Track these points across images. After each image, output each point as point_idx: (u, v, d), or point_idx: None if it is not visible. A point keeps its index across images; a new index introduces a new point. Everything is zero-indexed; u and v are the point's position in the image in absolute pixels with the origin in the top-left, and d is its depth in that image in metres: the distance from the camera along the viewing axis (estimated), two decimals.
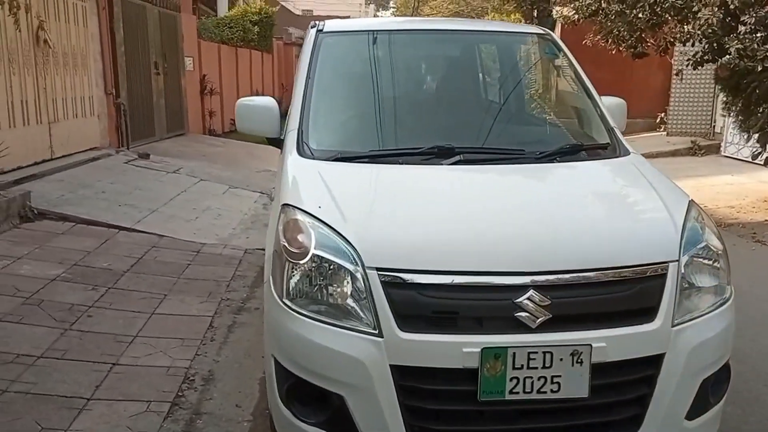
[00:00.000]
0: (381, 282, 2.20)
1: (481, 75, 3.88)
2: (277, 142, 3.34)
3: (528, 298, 2.19)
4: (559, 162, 2.93)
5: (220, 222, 6.68)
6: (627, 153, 3.09)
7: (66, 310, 4.07)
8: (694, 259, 2.41)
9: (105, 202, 6.58)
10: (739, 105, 8.08)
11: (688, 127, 13.58)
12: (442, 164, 2.82)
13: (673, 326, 2.29)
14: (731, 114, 8.43)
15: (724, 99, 8.52)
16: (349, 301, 2.24)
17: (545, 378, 2.19)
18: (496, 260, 2.24)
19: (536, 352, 2.17)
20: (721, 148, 12.15)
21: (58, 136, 8.02)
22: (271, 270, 2.48)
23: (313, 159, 2.90)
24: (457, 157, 2.84)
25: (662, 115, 14.28)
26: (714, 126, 13.24)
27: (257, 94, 14.63)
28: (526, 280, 2.21)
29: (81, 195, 6.65)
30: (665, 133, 14.11)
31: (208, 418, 3.11)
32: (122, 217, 6.19)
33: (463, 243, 2.30)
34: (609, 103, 3.47)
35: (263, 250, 5.94)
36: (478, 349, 2.15)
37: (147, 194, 7.18)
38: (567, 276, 2.23)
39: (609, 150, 3.12)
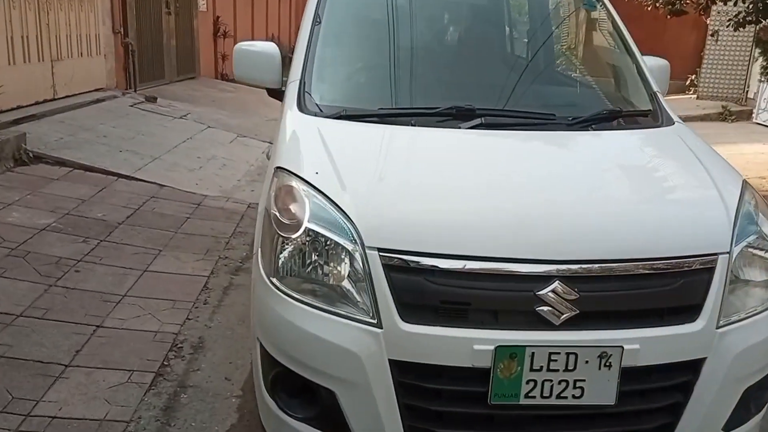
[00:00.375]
0: (382, 265, 1.90)
1: (508, 28, 3.48)
2: (278, 94, 3.01)
3: (552, 291, 1.89)
4: (595, 130, 2.58)
5: (225, 173, 6.39)
6: (671, 122, 2.73)
7: (53, 263, 3.84)
8: (746, 250, 2.08)
9: (105, 147, 6.30)
10: None
11: (720, 91, 13.01)
12: (460, 128, 2.49)
13: (717, 328, 1.98)
14: None
15: (764, 63, 8.05)
16: (346, 284, 1.95)
17: (567, 382, 1.91)
18: (517, 245, 1.93)
19: (558, 353, 1.89)
20: (754, 115, 11.62)
21: (61, 75, 7.69)
22: (261, 241, 2.19)
23: (315, 115, 2.57)
24: (478, 120, 2.50)
25: (693, 77, 13.68)
26: (747, 91, 12.67)
27: (272, 39, 14.13)
28: (551, 269, 1.90)
29: (81, 138, 6.37)
30: (695, 96, 13.53)
31: (193, 392, 2.87)
32: (122, 163, 5.92)
33: (480, 223, 1.99)
34: (650, 65, 3.08)
35: None
36: (492, 347, 1.86)
37: (150, 140, 6.89)
38: (598, 266, 1.92)
39: (650, 118, 2.76)
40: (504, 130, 2.53)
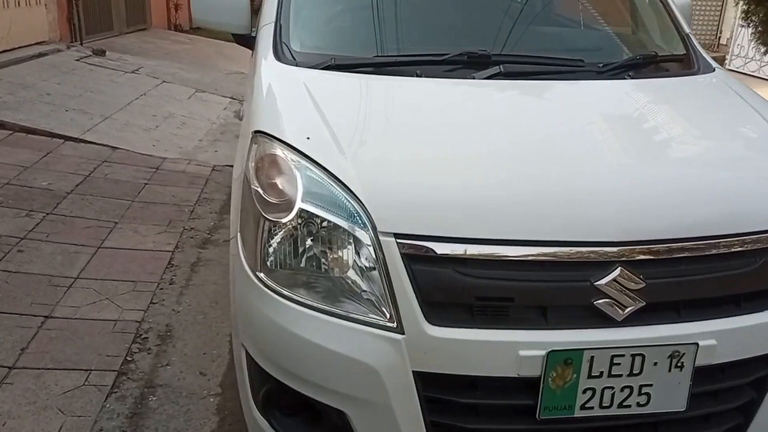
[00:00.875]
0: (401, 255, 1.51)
1: None
2: (247, 41, 2.53)
3: (614, 279, 1.52)
4: (632, 78, 2.19)
5: (184, 132, 5.85)
6: (710, 68, 2.36)
7: None
8: None
9: (49, 106, 5.68)
10: (761, 15, 7.36)
11: None
12: (474, 78, 2.07)
13: None
14: (750, 24, 7.73)
15: (745, 7, 7.77)
16: (354, 279, 1.55)
17: (630, 388, 1.57)
18: (569, 224, 1.55)
19: (622, 355, 1.54)
20: (726, 61, 11.41)
21: None
22: (240, 224, 1.76)
23: (296, 65, 2.12)
24: (496, 69, 2.08)
25: None
26: (719, 37, 12.44)
27: None
28: (612, 252, 1.53)
29: (21, 97, 5.73)
30: None
31: (163, 393, 2.46)
32: (69, 124, 5.34)
33: (523, 198, 1.59)
34: (676, 3, 2.69)
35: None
36: (542, 353, 1.49)
37: (99, 98, 6.27)
38: (668, 246, 1.56)
39: (685, 64, 2.38)
40: (526, 80, 2.12)
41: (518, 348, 1.50)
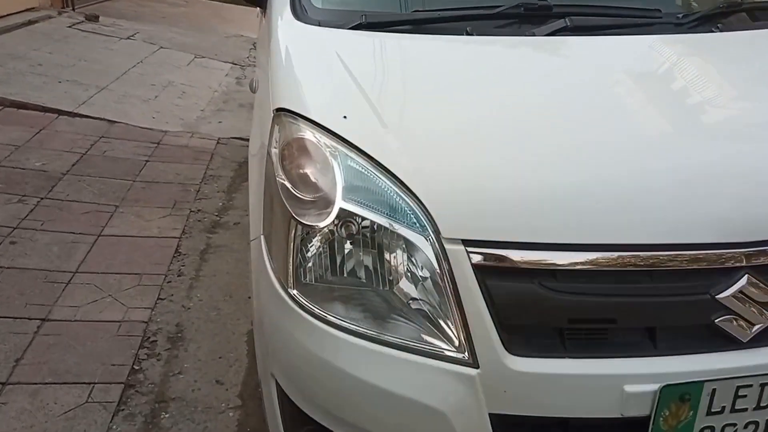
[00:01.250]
0: (473, 266, 1.18)
1: None
2: None
3: (740, 290, 1.20)
4: (722, 31, 1.82)
5: (185, 102, 5.49)
6: None
7: None
8: None
9: (41, 77, 5.32)
10: None
11: None
12: (534, 34, 1.72)
13: None
14: None
15: None
16: (411, 298, 1.23)
17: (756, 424, 1.27)
18: (682, 223, 1.22)
19: (750, 385, 1.23)
20: None
21: None
22: (263, 224, 1.44)
23: (320, 25, 1.77)
24: (560, 23, 1.73)
25: None
26: None
27: None
28: (736, 255, 1.21)
29: (11, 69, 5.36)
30: None
31: (177, 408, 2.18)
32: (62, 97, 4.98)
33: (624, 195, 1.26)
34: None
35: (241, 139, 4.90)
36: (654, 387, 1.18)
37: (94, 67, 5.90)
38: None
39: None
40: (596, 35, 1.77)
41: (623, 382, 1.19)
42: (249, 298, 2.75)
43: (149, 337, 2.49)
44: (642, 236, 1.20)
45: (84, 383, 2.22)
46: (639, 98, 1.53)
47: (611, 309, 1.20)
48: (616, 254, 1.19)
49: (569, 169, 1.27)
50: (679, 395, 1.19)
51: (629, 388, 1.19)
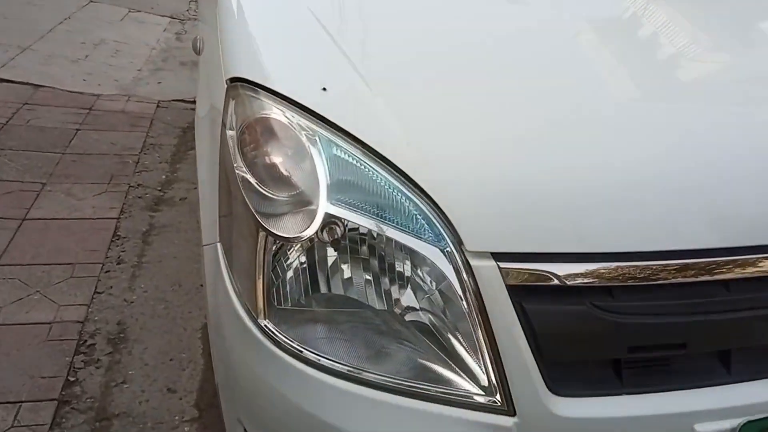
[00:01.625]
0: (507, 287, 0.90)
1: None
2: None
3: None
4: None
5: (120, 61, 4.99)
6: None
7: None
8: None
9: None
10: None
11: None
12: None
13: None
14: None
15: None
16: (425, 328, 0.95)
17: None
18: (758, 223, 0.96)
19: None
20: None
21: None
22: (219, 230, 1.13)
23: None
24: None
25: None
26: None
27: None
28: None
29: None
30: None
31: (121, 426, 1.88)
32: None
33: (695, 192, 0.98)
34: None
35: (184, 102, 4.47)
36: (733, 424, 0.94)
37: (15, 25, 5.31)
38: None
39: None
40: None
41: (693, 420, 0.94)
42: (201, 286, 2.44)
43: (86, 341, 2.16)
44: (717, 239, 0.94)
45: (8, 402, 1.89)
46: (700, 68, 1.26)
47: (682, 330, 0.94)
48: (687, 262, 0.93)
49: (623, 162, 0.99)
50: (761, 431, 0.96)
51: (700, 427, 0.94)
